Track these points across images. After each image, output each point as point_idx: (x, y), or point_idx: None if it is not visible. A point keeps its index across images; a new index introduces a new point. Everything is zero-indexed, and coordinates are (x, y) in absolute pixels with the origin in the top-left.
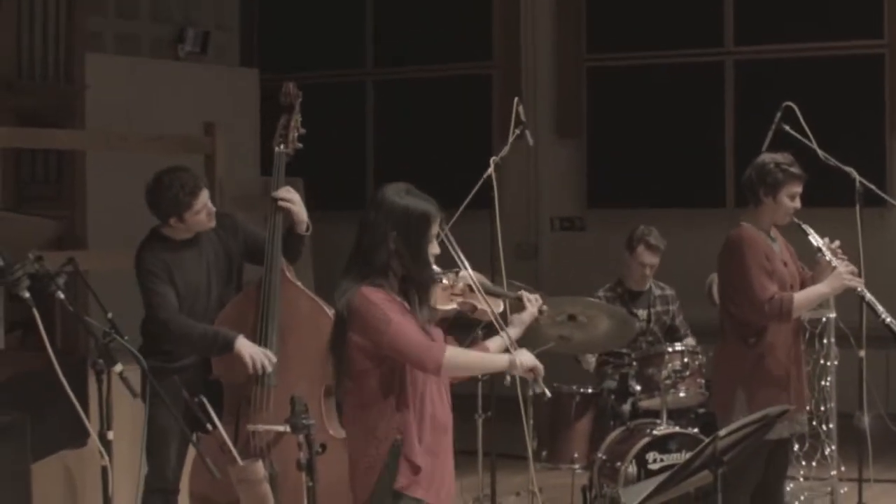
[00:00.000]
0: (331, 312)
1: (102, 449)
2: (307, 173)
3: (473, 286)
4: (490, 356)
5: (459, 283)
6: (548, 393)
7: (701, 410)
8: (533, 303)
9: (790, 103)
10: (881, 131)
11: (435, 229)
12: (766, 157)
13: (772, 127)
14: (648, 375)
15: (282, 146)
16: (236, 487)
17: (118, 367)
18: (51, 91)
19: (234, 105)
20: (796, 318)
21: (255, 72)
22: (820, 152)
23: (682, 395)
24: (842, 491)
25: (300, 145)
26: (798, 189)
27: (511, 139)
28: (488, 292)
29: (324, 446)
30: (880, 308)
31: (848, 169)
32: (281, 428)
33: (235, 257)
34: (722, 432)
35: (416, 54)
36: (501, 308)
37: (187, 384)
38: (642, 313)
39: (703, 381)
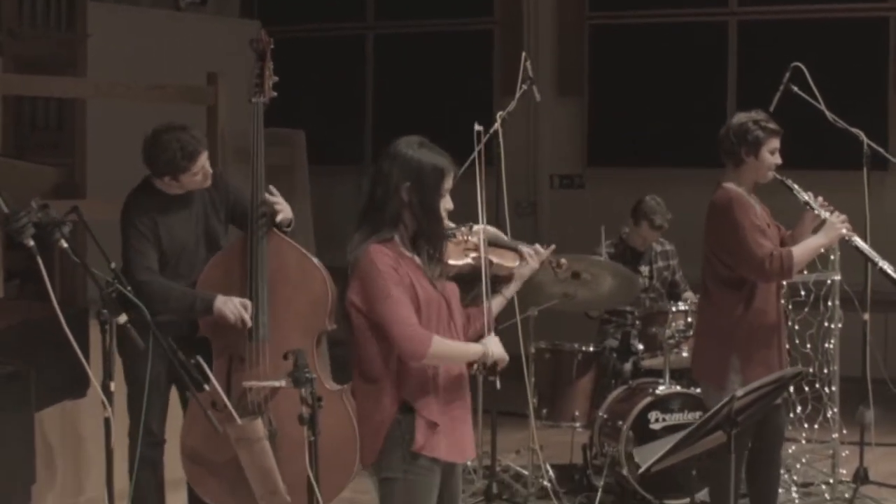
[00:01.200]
0: (317, 262)
1: (105, 400)
2: (305, 127)
3: (481, 243)
4: (466, 347)
5: (473, 238)
6: (498, 385)
7: None
8: (533, 257)
9: (798, 64)
10: (884, 95)
11: (448, 183)
12: (742, 117)
13: (780, 87)
14: (651, 334)
15: (260, 97)
16: (235, 446)
17: (122, 318)
18: (52, 39)
19: (235, 57)
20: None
21: (258, 23)
22: (828, 114)
23: (684, 354)
24: (843, 454)
25: (275, 94)
26: (777, 144)
27: (518, 94)
28: (503, 247)
29: (320, 399)
30: (875, 255)
31: (856, 131)
32: (277, 383)
33: (224, 218)
34: (739, 392)
35: (418, 8)
36: (517, 263)
37: (174, 341)
38: (645, 269)
39: None
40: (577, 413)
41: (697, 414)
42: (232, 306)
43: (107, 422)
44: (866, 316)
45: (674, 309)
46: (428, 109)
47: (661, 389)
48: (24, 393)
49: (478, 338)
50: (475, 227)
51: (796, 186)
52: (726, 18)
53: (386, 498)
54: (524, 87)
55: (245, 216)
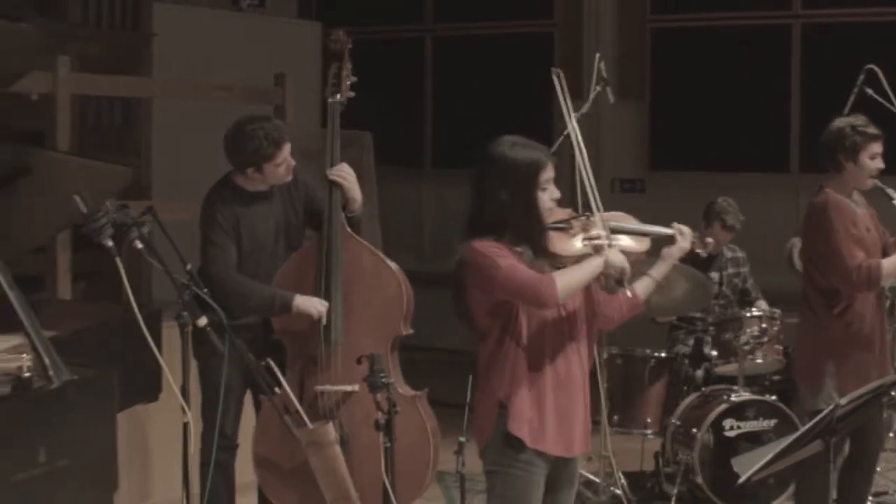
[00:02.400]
0: (393, 266)
1: (185, 404)
2: (365, 130)
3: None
4: (587, 264)
5: (593, 228)
6: (628, 292)
7: (776, 377)
8: (686, 236)
9: (873, 66)
10: None
11: (546, 175)
12: (841, 122)
13: (853, 90)
14: (725, 340)
15: (337, 96)
16: (306, 450)
17: (203, 321)
18: (118, 39)
19: (296, 58)
20: None
21: (318, 24)
22: None
23: (759, 361)
24: None
25: (352, 94)
26: (879, 149)
27: (592, 96)
28: (632, 232)
29: (394, 404)
30: None
31: None
32: (350, 387)
33: (303, 217)
34: (843, 401)
35: (477, 10)
36: (648, 246)
37: (248, 344)
38: (714, 276)
39: (780, 347)
40: (649, 420)
41: (773, 421)
42: (314, 302)
43: (185, 426)
44: None
45: (748, 315)
46: (487, 112)
47: (736, 396)
48: (108, 397)
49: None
50: (592, 218)
51: (895, 194)
52: (790, 21)
53: (489, 491)
54: (598, 88)
55: (319, 215)
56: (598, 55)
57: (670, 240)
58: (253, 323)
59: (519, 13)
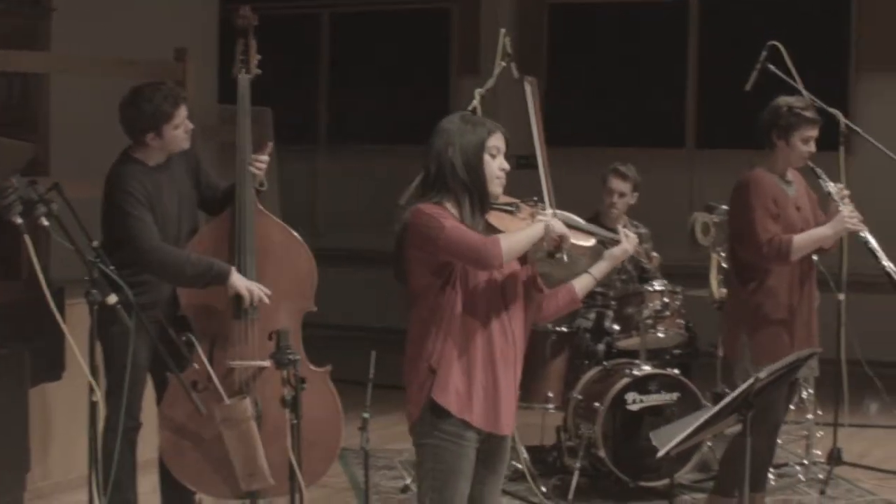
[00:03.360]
0: (299, 238)
1: (94, 383)
2: (260, 106)
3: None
4: (530, 228)
5: (542, 214)
6: (565, 258)
7: (677, 351)
8: (631, 240)
9: (776, 43)
10: (846, 72)
11: (493, 141)
12: (781, 101)
13: (756, 67)
14: (627, 315)
15: (244, 72)
16: (220, 426)
17: (112, 298)
18: (16, 13)
19: (192, 32)
20: (806, 262)
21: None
22: (805, 93)
23: (660, 335)
24: (818, 435)
25: (259, 71)
26: (812, 133)
27: (497, 72)
28: (579, 228)
29: (303, 380)
30: (883, 256)
31: (833, 111)
32: (264, 363)
33: (195, 185)
34: (762, 374)
35: None
36: (592, 243)
37: (153, 321)
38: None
39: (682, 321)
40: (550, 394)
41: (676, 395)
42: (248, 284)
43: (94, 406)
44: (842, 296)
45: (650, 289)
46: (383, 89)
47: (639, 370)
48: (20, 377)
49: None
50: (546, 210)
51: (824, 175)
52: None
53: (418, 465)
54: (503, 63)
55: (208, 191)
56: (502, 31)
57: (614, 243)
58: (158, 299)
59: None
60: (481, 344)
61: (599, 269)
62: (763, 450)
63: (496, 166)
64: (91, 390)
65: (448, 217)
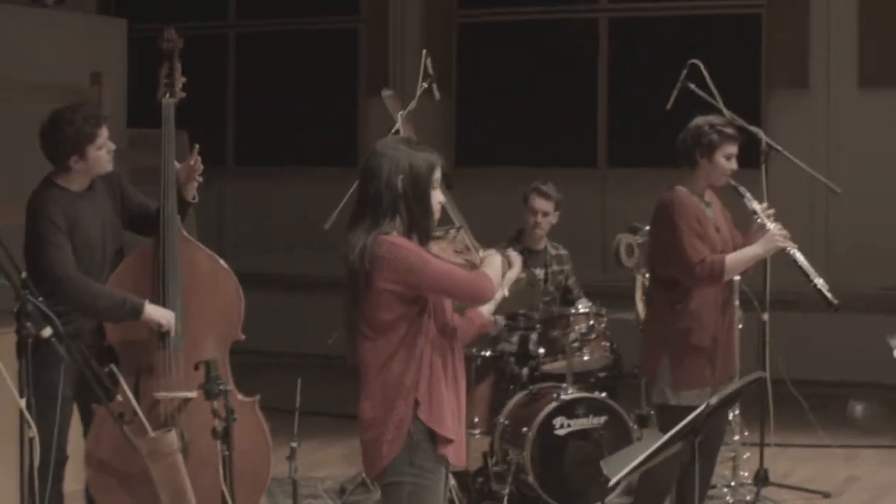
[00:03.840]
0: (226, 266)
1: (30, 419)
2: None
3: (470, 244)
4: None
5: (459, 241)
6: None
7: (602, 374)
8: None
9: (696, 61)
10: (758, 89)
11: (438, 175)
12: (700, 120)
13: (677, 85)
14: (552, 338)
15: (168, 96)
16: (146, 460)
17: (47, 332)
18: None
19: (102, 56)
20: (727, 285)
21: (124, 22)
22: (726, 112)
23: (586, 358)
24: (744, 456)
25: (184, 94)
26: (734, 150)
27: (419, 93)
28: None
29: (232, 411)
30: (813, 273)
31: (755, 129)
32: (191, 394)
33: (120, 210)
34: (713, 400)
35: (282, 6)
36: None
37: (78, 352)
38: (539, 272)
39: (607, 344)
40: (476, 419)
41: (603, 418)
42: (164, 313)
43: (31, 442)
44: (765, 316)
45: (574, 312)
46: (291, 110)
47: (566, 394)
48: None
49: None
50: (459, 233)
51: (748, 194)
52: (597, 16)
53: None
54: (425, 85)
55: (137, 216)
56: (424, 51)
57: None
58: (82, 329)
59: (324, 9)
60: (452, 373)
61: (500, 291)
62: (704, 474)
63: (437, 199)
64: (28, 426)
65: (425, 251)
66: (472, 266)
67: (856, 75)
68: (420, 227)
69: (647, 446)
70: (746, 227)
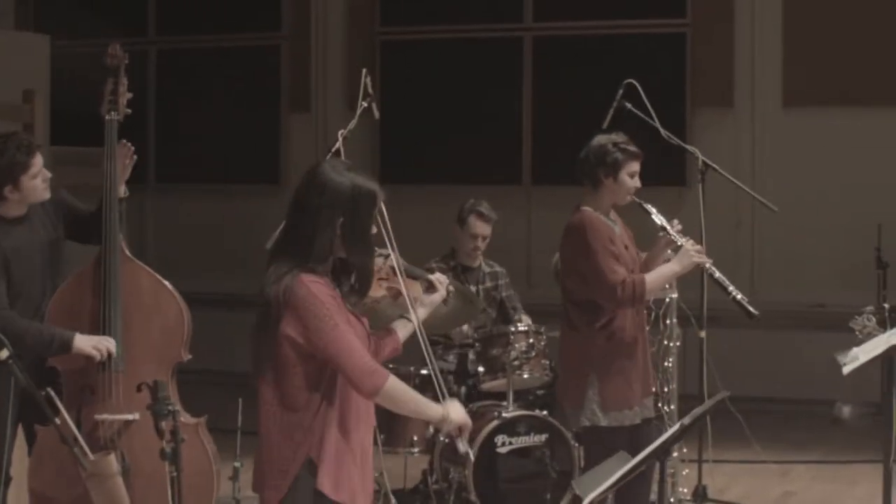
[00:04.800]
0: (172, 288)
1: None
2: (87, 145)
3: (398, 269)
4: (424, 402)
5: (385, 267)
6: (471, 455)
7: (540, 392)
8: (442, 284)
9: (632, 81)
10: (683, 109)
11: (379, 207)
12: (602, 138)
13: (613, 104)
14: (492, 356)
15: (112, 113)
16: (87, 483)
17: (4, 354)
18: None
19: (28, 72)
20: None
21: (47, 38)
22: (662, 131)
23: (525, 376)
24: (683, 472)
25: (129, 111)
26: (637, 167)
27: (359, 112)
28: (408, 275)
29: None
30: (730, 285)
31: (691, 148)
32: (131, 416)
33: (62, 234)
34: (687, 420)
35: (202, 22)
36: (420, 292)
37: (22, 373)
38: (473, 290)
39: (546, 362)
40: (415, 437)
41: (544, 436)
42: (94, 342)
43: None
44: (703, 333)
45: (514, 330)
46: (212, 126)
47: (508, 413)
48: None
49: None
50: (388, 257)
51: (654, 210)
52: (521, 34)
53: None
54: (364, 104)
55: (80, 226)
56: (364, 70)
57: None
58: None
59: (246, 25)
60: (352, 415)
61: (420, 314)
62: (641, 492)
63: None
64: None
65: (339, 309)
66: (395, 293)
67: (780, 94)
68: (358, 265)
69: (617, 466)
70: (649, 242)
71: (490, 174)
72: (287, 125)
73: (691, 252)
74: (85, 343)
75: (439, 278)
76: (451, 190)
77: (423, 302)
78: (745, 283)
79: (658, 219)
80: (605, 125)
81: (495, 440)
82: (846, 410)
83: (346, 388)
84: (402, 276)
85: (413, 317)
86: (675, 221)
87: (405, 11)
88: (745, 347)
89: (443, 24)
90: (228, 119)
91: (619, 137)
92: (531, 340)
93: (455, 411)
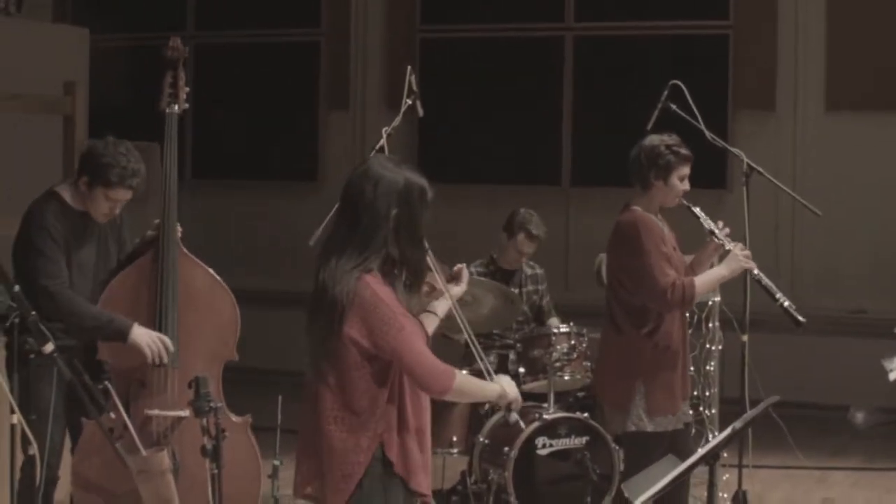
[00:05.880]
0: (224, 284)
1: (31, 436)
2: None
3: (433, 266)
4: (485, 386)
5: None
6: (522, 424)
7: (580, 394)
8: (465, 280)
9: (677, 82)
10: (725, 112)
11: (428, 203)
12: (655, 139)
13: (658, 105)
14: (533, 357)
15: (173, 106)
16: (136, 479)
17: (49, 347)
18: None
19: (68, 65)
20: None
21: (86, 31)
22: (707, 133)
23: (566, 378)
24: (724, 478)
25: (187, 105)
26: (687, 171)
27: (403, 109)
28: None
29: (223, 429)
30: (777, 291)
31: (736, 151)
32: (182, 413)
33: (117, 246)
34: (738, 424)
35: (241, 18)
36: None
37: (69, 366)
38: (514, 292)
39: (587, 364)
40: (454, 438)
41: (585, 438)
42: (153, 339)
43: (31, 459)
44: (745, 337)
45: (555, 331)
46: (250, 123)
47: (549, 414)
48: None
49: None
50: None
51: (703, 214)
52: (562, 33)
53: None
54: (408, 101)
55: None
56: (409, 67)
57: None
58: (74, 344)
59: (285, 21)
60: (418, 403)
61: (442, 308)
62: (681, 497)
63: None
64: (30, 443)
65: (404, 311)
66: (433, 290)
67: (822, 98)
68: (411, 264)
69: (667, 470)
70: (695, 245)
71: (529, 175)
72: (325, 122)
73: (740, 257)
74: (142, 337)
75: (462, 271)
76: (489, 189)
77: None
78: (786, 288)
79: (706, 223)
80: (648, 126)
81: (535, 442)
82: (860, 416)
83: (408, 384)
84: (438, 273)
85: (440, 307)
86: (721, 223)
87: (446, 9)
88: (785, 352)
89: (483, 23)
90: (266, 115)
91: (671, 139)
92: (573, 342)
93: (508, 385)
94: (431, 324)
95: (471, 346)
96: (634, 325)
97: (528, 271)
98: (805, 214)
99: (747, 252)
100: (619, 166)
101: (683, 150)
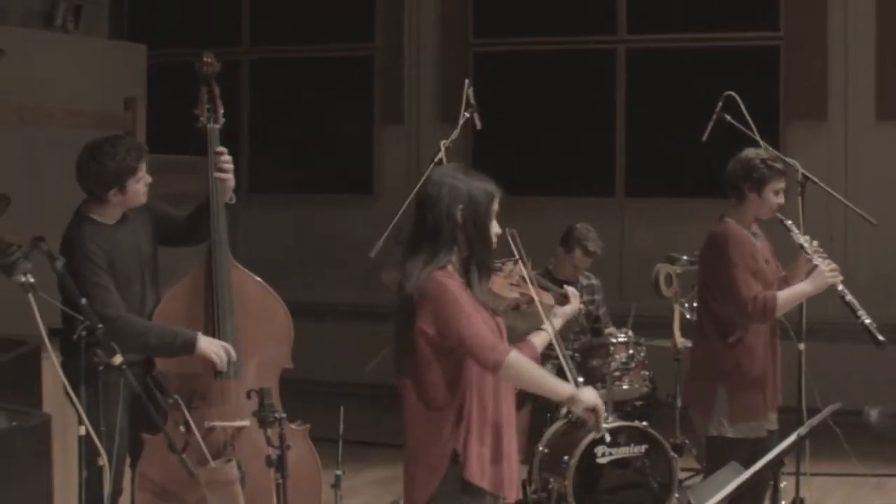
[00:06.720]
0: (275, 294)
1: (100, 446)
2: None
3: (527, 277)
4: (552, 380)
5: (515, 275)
6: (607, 437)
7: (638, 403)
8: (576, 297)
9: (731, 93)
10: (776, 122)
11: (496, 206)
12: (751, 152)
13: (713, 116)
14: (592, 367)
15: (212, 121)
16: (205, 489)
17: (118, 359)
18: None
19: (126, 81)
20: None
21: (144, 47)
22: (762, 143)
23: (625, 387)
24: (781, 485)
25: (224, 119)
26: (782, 185)
27: (461, 122)
28: (539, 286)
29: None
30: (860, 309)
31: (791, 161)
32: (245, 423)
33: (154, 239)
34: (803, 430)
35: (295, 33)
36: (551, 302)
37: (141, 380)
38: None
39: (646, 373)
40: None
41: (644, 447)
42: (216, 347)
43: (99, 470)
44: (802, 346)
45: (614, 341)
46: (305, 136)
47: (607, 423)
48: (46, 445)
49: None
50: (517, 265)
51: (795, 229)
52: (615, 46)
53: None
54: (466, 114)
55: (172, 231)
56: (466, 81)
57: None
58: (134, 360)
59: (339, 36)
60: (495, 412)
61: (555, 325)
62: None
63: (494, 230)
64: (101, 454)
65: (469, 299)
66: (528, 300)
67: (873, 107)
68: (479, 259)
69: (731, 477)
70: (789, 258)
71: (583, 187)
72: (380, 136)
73: (826, 273)
74: (209, 346)
75: (572, 291)
76: (543, 201)
77: (555, 313)
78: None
79: (797, 237)
80: (704, 137)
81: (595, 450)
82: (874, 414)
83: (484, 381)
84: (531, 283)
85: (547, 325)
86: (808, 238)
87: (499, 23)
88: (840, 361)
89: (536, 36)
90: (321, 130)
91: (766, 154)
92: (631, 352)
93: (587, 393)
94: (540, 340)
95: (559, 357)
96: (720, 333)
97: (584, 282)
98: (858, 223)
99: (834, 267)
100: (670, 178)
101: (778, 165)
